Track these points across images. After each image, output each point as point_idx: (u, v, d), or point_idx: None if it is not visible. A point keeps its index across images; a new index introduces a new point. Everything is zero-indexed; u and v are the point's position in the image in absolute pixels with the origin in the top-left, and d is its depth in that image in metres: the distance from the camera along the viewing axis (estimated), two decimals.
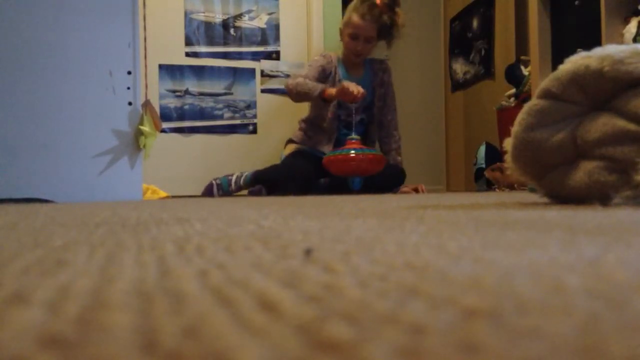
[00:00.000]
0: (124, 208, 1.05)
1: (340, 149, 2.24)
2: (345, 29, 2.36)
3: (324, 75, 2.35)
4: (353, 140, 2.24)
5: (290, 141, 2.47)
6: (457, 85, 3.72)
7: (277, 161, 2.47)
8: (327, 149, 2.35)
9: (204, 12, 3.01)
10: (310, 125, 2.40)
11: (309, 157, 2.32)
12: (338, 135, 2.37)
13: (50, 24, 1.79)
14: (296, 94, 2.30)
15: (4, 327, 0.16)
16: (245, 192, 2.41)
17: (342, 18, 2.42)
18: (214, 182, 2.42)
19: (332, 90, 2.21)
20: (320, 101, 2.29)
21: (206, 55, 3.00)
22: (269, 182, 2.31)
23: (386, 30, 2.34)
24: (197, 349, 0.13)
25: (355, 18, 2.30)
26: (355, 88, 2.15)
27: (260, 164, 2.57)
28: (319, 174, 2.33)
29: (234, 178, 2.39)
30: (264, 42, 3.10)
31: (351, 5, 2.36)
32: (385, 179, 2.31)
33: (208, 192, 2.42)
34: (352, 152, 2.20)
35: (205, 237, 0.42)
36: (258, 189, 2.36)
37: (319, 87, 2.24)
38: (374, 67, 2.45)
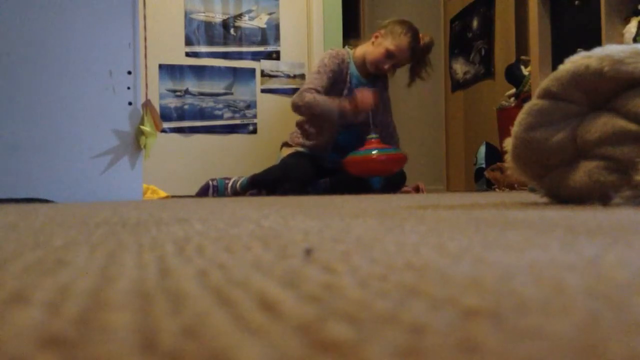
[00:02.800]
0: (124, 208, 1.05)
1: (361, 149, 2.21)
2: (387, 39, 2.29)
3: (334, 79, 2.31)
4: (372, 140, 2.21)
5: (285, 144, 2.45)
6: (457, 85, 3.71)
7: (276, 162, 2.46)
8: (326, 151, 2.34)
9: (204, 12, 3.01)
10: (312, 127, 2.38)
11: (308, 158, 2.31)
12: (338, 137, 2.35)
13: (50, 24, 1.79)
14: (309, 114, 2.29)
15: (4, 327, 0.16)
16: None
17: (389, 26, 2.31)
18: (210, 182, 2.41)
19: (348, 108, 2.20)
20: (335, 121, 2.27)
21: (206, 55, 3.00)
22: (266, 184, 2.30)
23: (419, 63, 2.35)
24: (197, 349, 0.13)
25: (404, 43, 2.27)
26: (367, 96, 2.17)
27: (260, 164, 2.57)
28: (317, 174, 2.32)
29: (230, 182, 2.37)
30: (264, 42, 3.09)
31: (403, 28, 2.28)
32: (387, 183, 2.30)
33: (203, 192, 2.41)
34: (375, 152, 2.18)
35: (205, 237, 0.42)
36: (257, 190, 2.35)
37: (335, 109, 2.21)
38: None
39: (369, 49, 2.34)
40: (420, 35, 2.33)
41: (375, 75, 2.40)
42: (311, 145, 2.36)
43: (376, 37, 2.34)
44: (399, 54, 2.28)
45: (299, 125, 2.42)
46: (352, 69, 2.35)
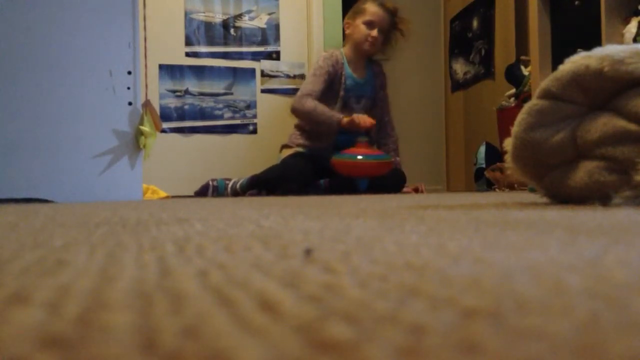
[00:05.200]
0: (124, 208, 1.05)
1: (349, 152, 2.23)
2: (357, 17, 2.37)
3: (330, 81, 2.33)
4: (362, 142, 2.24)
5: (285, 146, 2.46)
6: (457, 85, 3.71)
7: (276, 162, 2.46)
8: (326, 151, 2.34)
9: (204, 12, 3.01)
10: (311, 129, 2.39)
11: (308, 159, 2.31)
12: (337, 137, 2.36)
13: (51, 24, 1.79)
14: (308, 121, 2.31)
15: (4, 327, 0.16)
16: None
17: (352, 10, 2.43)
18: (210, 182, 2.41)
19: (344, 125, 2.23)
20: (331, 131, 2.30)
21: (206, 55, 3.00)
22: (266, 184, 2.30)
23: (387, 33, 2.39)
24: (197, 349, 0.13)
25: (372, 7, 2.34)
26: (364, 121, 2.22)
27: (260, 164, 2.56)
28: (318, 174, 2.32)
29: (230, 183, 2.38)
30: (264, 42, 3.09)
31: (359, 3, 2.39)
32: (387, 184, 2.31)
33: (202, 191, 2.41)
34: (360, 157, 2.21)
35: (205, 237, 0.42)
36: (257, 190, 2.35)
37: (333, 120, 2.25)
38: (375, 70, 2.45)
39: (350, 39, 2.41)
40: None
41: (374, 74, 2.41)
42: (311, 146, 2.36)
43: (347, 25, 2.43)
44: (376, 18, 2.35)
45: (298, 126, 2.42)
46: (347, 69, 2.37)
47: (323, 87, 2.30)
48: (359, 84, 2.38)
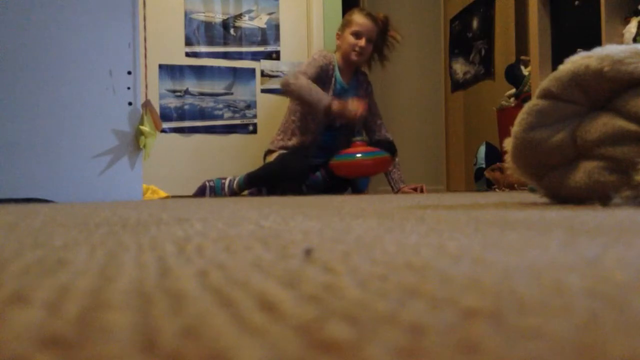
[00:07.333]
0: (124, 208, 1.05)
1: (348, 152, 2.24)
2: (346, 29, 2.40)
3: (320, 76, 2.35)
4: (358, 142, 2.25)
5: (269, 152, 2.44)
6: (457, 85, 3.71)
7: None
8: (310, 150, 2.34)
9: (204, 12, 3.01)
10: (296, 126, 2.39)
11: (301, 155, 2.32)
12: (322, 137, 2.37)
13: (50, 24, 1.79)
14: (297, 97, 2.28)
15: (4, 327, 0.16)
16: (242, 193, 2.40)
17: (341, 23, 2.48)
18: (207, 183, 2.41)
19: (335, 107, 2.22)
20: (320, 114, 2.28)
21: (206, 55, 3.00)
22: (264, 180, 2.30)
23: (381, 42, 2.42)
24: (197, 349, 0.13)
25: (359, 18, 2.38)
26: (357, 105, 2.21)
27: (260, 164, 2.56)
28: (312, 169, 2.33)
29: (227, 182, 2.38)
30: (264, 42, 3.09)
31: (350, 12, 2.45)
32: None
33: (199, 192, 2.41)
34: (360, 155, 2.21)
35: (205, 237, 0.42)
36: (257, 190, 2.35)
37: (324, 101, 2.23)
38: (359, 79, 2.49)
39: (340, 50, 2.44)
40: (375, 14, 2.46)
41: (358, 83, 2.44)
42: (294, 146, 2.36)
43: (338, 36, 2.47)
44: (363, 29, 2.38)
45: (281, 129, 2.43)
46: (337, 73, 2.40)
47: (314, 75, 2.31)
48: (345, 89, 2.42)
